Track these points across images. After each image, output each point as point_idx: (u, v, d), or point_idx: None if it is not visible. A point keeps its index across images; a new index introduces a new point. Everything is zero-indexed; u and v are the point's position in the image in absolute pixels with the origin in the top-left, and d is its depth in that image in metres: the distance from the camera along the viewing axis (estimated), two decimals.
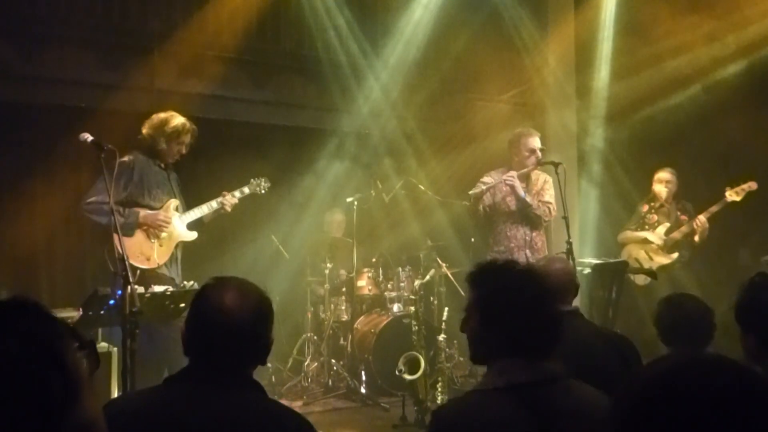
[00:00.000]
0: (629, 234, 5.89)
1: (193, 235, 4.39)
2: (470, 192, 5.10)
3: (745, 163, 5.46)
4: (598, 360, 2.43)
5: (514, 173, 5.00)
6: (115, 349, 3.70)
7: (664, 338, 2.83)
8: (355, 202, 5.70)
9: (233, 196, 4.53)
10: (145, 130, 4.26)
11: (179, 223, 4.33)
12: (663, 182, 5.76)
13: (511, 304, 1.79)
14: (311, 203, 6.45)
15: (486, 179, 5.12)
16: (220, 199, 4.47)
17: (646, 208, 5.88)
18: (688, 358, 0.97)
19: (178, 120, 4.27)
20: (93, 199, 3.99)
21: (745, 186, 5.36)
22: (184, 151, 4.35)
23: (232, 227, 5.81)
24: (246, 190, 4.68)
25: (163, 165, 4.35)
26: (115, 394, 3.60)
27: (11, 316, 0.92)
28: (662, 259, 5.66)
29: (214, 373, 1.65)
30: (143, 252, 4.14)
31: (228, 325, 1.67)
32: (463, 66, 6.80)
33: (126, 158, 4.09)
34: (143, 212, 4.18)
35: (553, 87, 7.01)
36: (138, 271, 3.88)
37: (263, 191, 4.82)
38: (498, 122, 6.83)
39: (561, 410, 1.71)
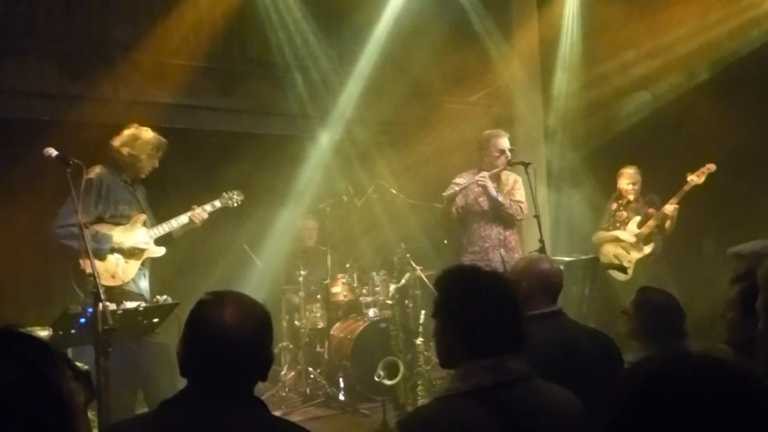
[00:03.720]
0: (603, 234, 6.01)
1: (161, 251, 4.27)
2: (443, 194, 5.12)
3: (708, 157, 5.59)
4: (586, 356, 2.48)
5: (485, 174, 5.04)
6: (87, 368, 3.60)
7: (636, 335, 2.81)
8: (328, 208, 5.67)
9: (204, 210, 4.39)
10: (124, 150, 4.14)
11: (147, 238, 4.21)
12: (626, 181, 5.89)
13: (471, 306, 1.80)
14: (283, 211, 6.38)
15: (458, 180, 5.15)
16: (189, 214, 4.35)
17: (614, 206, 6.02)
18: (676, 357, 0.99)
19: (148, 132, 4.23)
20: (64, 222, 3.85)
21: (704, 169, 5.52)
22: (156, 164, 4.28)
23: (203, 238, 5.71)
24: (217, 203, 4.53)
25: (129, 180, 4.24)
26: (88, 414, 3.51)
27: (6, 342, 0.89)
28: (638, 253, 5.81)
29: (217, 391, 1.58)
30: (108, 269, 4.00)
31: (231, 341, 1.60)
32: (430, 69, 6.82)
33: (92, 174, 3.98)
34: (117, 238, 4.07)
35: (519, 89, 7.09)
36: (103, 289, 3.78)
37: (236, 204, 4.65)
38: (467, 124, 6.87)
39: (527, 410, 1.70)
